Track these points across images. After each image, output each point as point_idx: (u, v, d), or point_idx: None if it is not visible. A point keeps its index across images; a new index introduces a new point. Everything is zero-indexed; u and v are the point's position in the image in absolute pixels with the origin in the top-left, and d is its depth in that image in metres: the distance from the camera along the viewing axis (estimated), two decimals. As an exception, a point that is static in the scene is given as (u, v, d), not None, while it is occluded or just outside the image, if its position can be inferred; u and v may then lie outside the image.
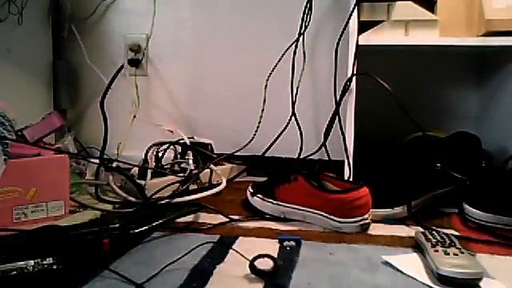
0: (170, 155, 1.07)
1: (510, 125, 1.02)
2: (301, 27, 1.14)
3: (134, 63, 1.29)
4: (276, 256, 0.63)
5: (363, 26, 0.95)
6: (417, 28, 0.94)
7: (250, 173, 1.21)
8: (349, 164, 0.96)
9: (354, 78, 0.95)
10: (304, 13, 1.13)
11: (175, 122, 1.30)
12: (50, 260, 0.55)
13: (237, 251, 0.63)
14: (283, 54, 1.15)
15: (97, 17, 1.33)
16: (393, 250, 0.68)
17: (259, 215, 0.84)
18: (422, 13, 0.94)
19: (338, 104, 0.98)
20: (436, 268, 0.57)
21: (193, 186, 0.98)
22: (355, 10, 0.94)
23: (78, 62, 1.34)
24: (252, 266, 0.58)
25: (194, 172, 1.00)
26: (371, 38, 0.94)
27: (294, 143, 1.18)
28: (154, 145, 1.04)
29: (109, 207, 0.88)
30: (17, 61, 1.15)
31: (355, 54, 0.94)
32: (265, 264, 0.58)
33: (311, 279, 0.57)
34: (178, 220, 0.78)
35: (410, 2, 0.94)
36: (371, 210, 0.77)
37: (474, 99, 1.19)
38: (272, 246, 0.68)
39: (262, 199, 0.85)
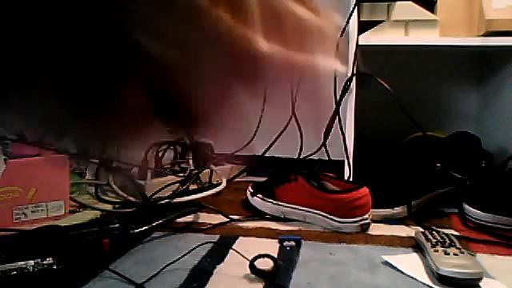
0: (170, 155, 1.07)
1: (510, 125, 1.02)
2: (301, 27, 1.13)
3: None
4: (276, 256, 0.63)
5: (363, 26, 0.95)
6: (417, 28, 0.94)
7: (250, 173, 1.21)
8: (349, 164, 0.96)
9: (354, 78, 0.95)
10: (304, 13, 1.12)
11: (175, 121, 1.30)
12: (50, 260, 0.55)
13: (237, 251, 0.63)
14: (283, 54, 1.15)
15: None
16: (393, 250, 0.68)
17: (259, 215, 0.84)
18: (422, 13, 0.94)
19: (337, 104, 0.98)
20: (436, 268, 0.57)
21: (193, 186, 0.98)
22: (355, 10, 0.94)
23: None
24: (252, 266, 0.58)
25: (194, 172, 1.00)
26: (371, 37, 0.94)
27: (294, 143, 1.17)
28: (154, 145, 1.04)
29: (109, 207, 0.88)
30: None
31: (355, 54, 0.94)
32: (265, 264, 0.58)
33: (311, 279, 0.57)
34: (178, 220, 0.78)
35: (410, 2, 0.94)
36: (371, 210, 0.77)
37: (473, 99, 1.19)
38: (272, 246, 0.68)
39: (261, 199, 0.85)
